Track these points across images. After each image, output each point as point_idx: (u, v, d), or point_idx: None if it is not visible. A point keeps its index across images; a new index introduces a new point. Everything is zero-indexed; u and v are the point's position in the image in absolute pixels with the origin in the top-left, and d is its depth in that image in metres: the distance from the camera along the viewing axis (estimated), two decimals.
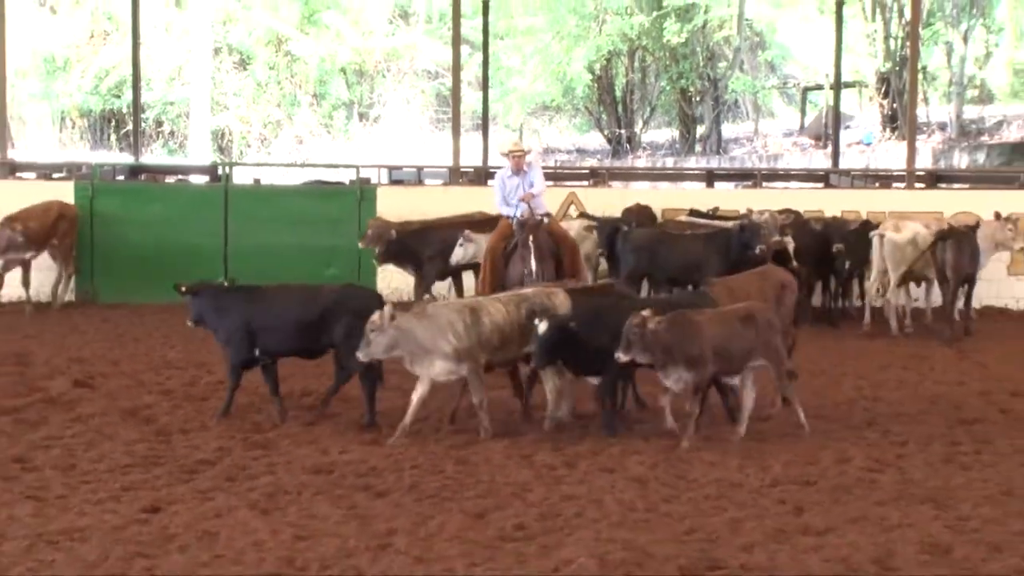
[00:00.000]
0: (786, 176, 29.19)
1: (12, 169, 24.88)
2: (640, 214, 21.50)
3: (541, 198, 17.31)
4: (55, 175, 24.86)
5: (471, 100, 31.45)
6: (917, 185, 24.47)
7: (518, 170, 17.11)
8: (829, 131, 34.18)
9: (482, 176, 24.88)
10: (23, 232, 20.48)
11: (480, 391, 13.15)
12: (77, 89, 44.06)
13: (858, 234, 20.51)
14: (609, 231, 19.96)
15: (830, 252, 20.28)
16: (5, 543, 9.81)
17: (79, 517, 10.38)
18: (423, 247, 20.43)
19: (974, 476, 11.99)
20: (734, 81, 45.58)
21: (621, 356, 12.55)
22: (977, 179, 27.42)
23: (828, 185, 25.39)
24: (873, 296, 20.31)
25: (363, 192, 22.92)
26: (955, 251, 19.54)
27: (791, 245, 19.57)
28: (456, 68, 26.31)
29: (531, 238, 16.40)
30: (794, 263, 19.86)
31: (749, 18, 45.46)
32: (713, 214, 21.71)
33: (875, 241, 19.98)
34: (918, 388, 16.06)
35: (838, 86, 31.00)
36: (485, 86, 28.20)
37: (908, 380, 16.57)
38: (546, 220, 17.19)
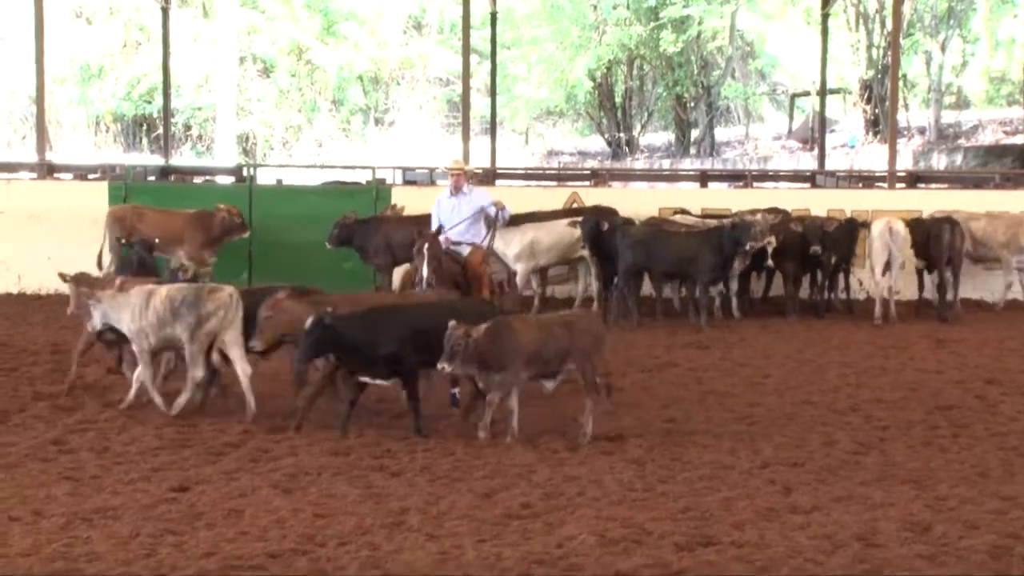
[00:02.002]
0: (775, 177, 29.12)
1: (50, 170, 24.89)
2: (603, 213, 21.41)
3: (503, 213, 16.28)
4: (90, 176, 24.86)
5: (480, 106, 31.46)
6: (898, 185, 24.47)
7: (456, 190, 15.72)
8: (815, 135, 34.17)
9: (490, 176, 24.98)
10: None
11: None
12: (111, 95, 44.06)
13: (842, 231, 20.47)
14: (591, 228, 19.85)
15: (806, 244, 20.19)
16: (43, 520, 9.81)
17: (112, 496, 10.38)
18: (367, 239, 20.38)
19: (952, 458, 11.97)
20: (726, 88, 45.56)
21: (444, 366, 11.93)
22: (954, 180, 27.44)
23: (815, 185, 25.35)
24: (884, 287, 20.32)
25: (379, 191, 22.92)
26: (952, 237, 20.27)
27: (771, 245, 19.54)
28: (466, 76, 26.39)
29: (426, 246, 14.98)
30: (770, 262, 19.87)
31: (741, 29, 45.43)
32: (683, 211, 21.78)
33: (882, 234, 20.04)
34: (899, 376, 16.02)
35: (824, 92, 31.00)
36: (493, 92, 28.25)
37: (889, 368, 16.54)
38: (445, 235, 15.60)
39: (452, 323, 11.90)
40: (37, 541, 9.34)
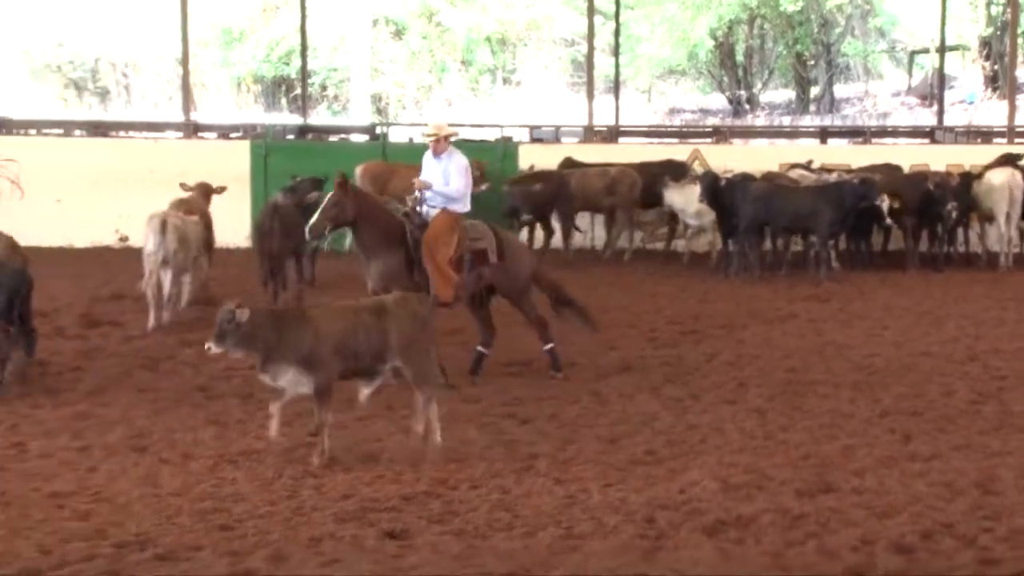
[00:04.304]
0: (894, 133, 28.77)
1: (195, 129, 25.22)
2: (571, 165, 21.89)
3: (451, 193, 13.46)
4: (233, 135, 25.15)
5: (604, 65, 31.24)
6: (1017, 140, 23.97)
7: (436, 154, 13.60)
8: (934, 91, 33.55)
9: (614, 134, 24.99)
10: None
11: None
12: (252, 58, 44.41)
13: (962, 186, 20.15)
14: (710, 182, 19.73)
15: (936, 204, 19.88)
16: (191, 462, 10.00)
17: (256, 440, 10.54)
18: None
19: None
20: (846, 46, 44.90)
21: (212, 347, 10.00)
22: None
23: (934, 141, 24.97)
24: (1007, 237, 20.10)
25: (506, 149, 22.95)
26: None
27: (884, 204, 19.23)
28: (591, 36, 26.34)
29: (330, 194, 13.41)
30: (888, 221, 19.60)
31: None
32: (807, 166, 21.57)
33: (1003, 186, 19.74)
34: (1017, 327, 15.75)
35: (943, 49, 30.37)
36: (616, 52, 28.06)
37: (1007, 319, 16.27)
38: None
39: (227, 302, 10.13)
40: (186, 482, 9.52)
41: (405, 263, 13.23)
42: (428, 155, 13.67)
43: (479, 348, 13.24)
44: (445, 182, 13.36)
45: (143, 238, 15.54)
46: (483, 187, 21.17)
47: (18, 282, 12.49)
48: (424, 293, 12.24)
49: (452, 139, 13.71)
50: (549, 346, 13.32)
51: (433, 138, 13.56)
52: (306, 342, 10.04)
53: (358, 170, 20.74)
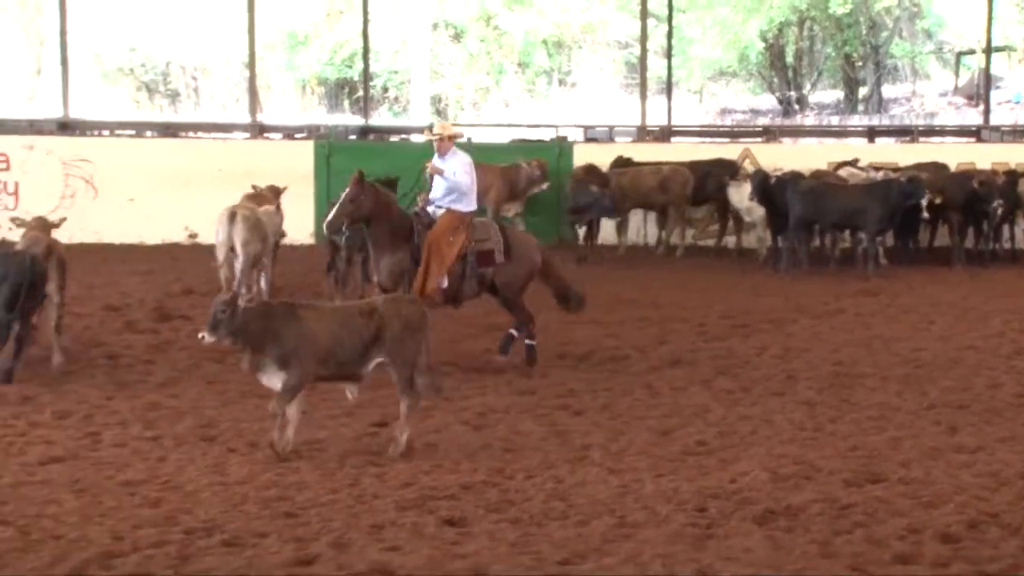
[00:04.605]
0: (941, 132, 28.49)
1: (261, 130, 25.32)
2: (623, 164, 21.93)
3: (459, 185, 13.40)
4: (297, 135, 25.24)
5: (656, 67, 31.12)
6: None
7: (441, 154, 13.49)
8: (981, 91, 33.30)
9: (666, 134, 24.94)
10: None
11: None
12: (316, 60, 44.57)
13: (1009, 183, 20.00)
14: (760, 180, 19.64)
15: (982, 201, 19.74)
16: (257, 452, 10.04)
17: (319, 430, 10.57)
18: None
19: None
20: (894, 47, 44.61)
21: (205, 336, 9.81)
22: None
23: (980, 140, 24.76)
24: None
25: (561, 148, 22.96)
26: None
27: (924, 200, 19.07)
28: (644, 39, 26.30)
29: (346, 191, 13.50)
30: (925, 215, 19.43)
31: None
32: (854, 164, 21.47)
33: None
34: None
35: (989, 50, 30.09)
36: (669, 54, 27.96)
37: None
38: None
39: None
40: (252, 471, 9.57)
41: (412, 261, 13.24)
42: (435, 156, 13.61)
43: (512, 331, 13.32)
44: (443, 182, 13.39)
45: (215, 231, 15.63)
46: (544, 186, 21.26)
47: (22, 274, 12.29)
48: (417, 297, 12.19)
49: (456, 140, 13.81)
50: (530, 342, 13.25)
51: (437, 137, 13.57)
52: (290, 340, 9.81)
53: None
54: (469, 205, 13.48)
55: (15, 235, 14.33)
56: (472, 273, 13.22)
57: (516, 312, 13.34)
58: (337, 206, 13.30)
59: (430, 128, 14.00)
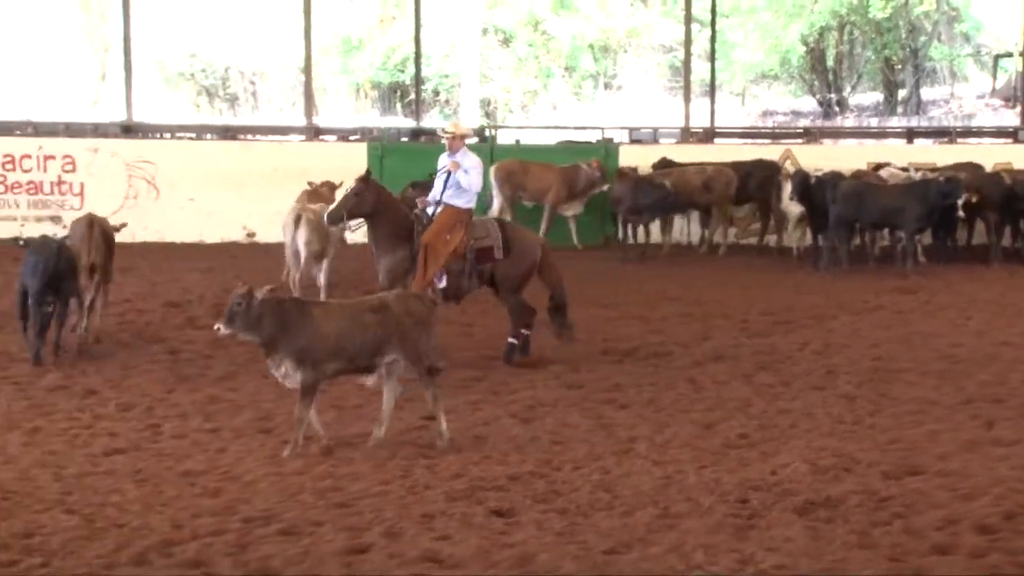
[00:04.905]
0: (979, 133, 28.27)
1: (316, 132, 25.41)
2: (666, 165, 21.87)
3: (471, 184, 13.32)
4: (351, 138, 25.30)
5: (700, 70, 31.09)
6: None
7: (452, 152, 13.36)
8: (1018, 93, 33.03)
9: (710, 135, 24.88)
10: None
11: None
12: (369, 65, 44.70)
13: None
14: (801, 181, 19.53)
15: (1018, 200, 19.60)
16: (313, 444, 10.06)
17: (369, 423, 10.56)
18: None
19: None
20: (933, 50, 44.31)
21: (221, 328, 9.71)
22: None
23: (1016, 141, 24.56)
24: None
25: (607, 149, 22.92)
26: None
27: (961, 199, 18.91)
28: (687, 43, 26.34)
29: (352, 185, 13.65)
30: (960, 213, 19.25)
31: None
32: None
33: None
34: None
35: None
36: (712, 58, 27.95)
37: None
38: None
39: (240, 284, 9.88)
40: (308, 462, 9.61)
41: (412, 261, 13.19)
42: (444, 154, 13.54)
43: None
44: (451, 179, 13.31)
45: (283, 233, 15.81)
46: (604, 187, 21.24)
47: (54, 263, 12.59)
48: (425, 292, 12.19)
49: (467, 140, 13.83)
50: (512, 341, 13.13)
51: (449, 136, 13.50)
52: (303, 336, 9.74)
53: (492, 168, 20.83)
54: (468, 202, 13.43)
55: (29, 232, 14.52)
56: (472, 270, 13.20)
57: (513, 309, 13.21)
58: (341, 198, 13.48)
59: (443, 129, 14.01)
